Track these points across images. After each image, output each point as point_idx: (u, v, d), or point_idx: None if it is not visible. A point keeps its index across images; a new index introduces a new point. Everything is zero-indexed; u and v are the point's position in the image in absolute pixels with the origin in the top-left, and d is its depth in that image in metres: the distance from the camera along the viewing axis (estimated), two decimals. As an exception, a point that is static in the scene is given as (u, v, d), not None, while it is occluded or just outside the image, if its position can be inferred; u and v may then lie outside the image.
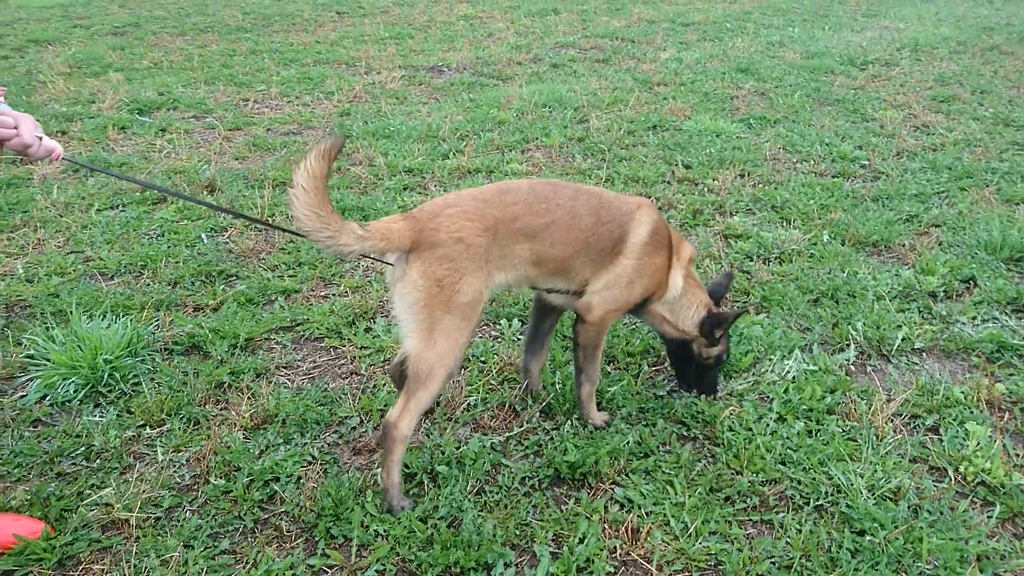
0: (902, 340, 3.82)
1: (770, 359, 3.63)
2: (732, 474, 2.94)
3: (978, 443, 3.07)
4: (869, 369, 3.69)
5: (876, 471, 2.92)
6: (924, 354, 3.79)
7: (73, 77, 9.22)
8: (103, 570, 2.51)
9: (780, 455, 3.01)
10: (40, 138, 2.21)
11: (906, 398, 3.38)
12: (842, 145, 6.73)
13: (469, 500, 2.79)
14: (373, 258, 2.63)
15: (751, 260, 4.65)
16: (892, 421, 3.27)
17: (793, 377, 3.50)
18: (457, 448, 3.04)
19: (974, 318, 4.04)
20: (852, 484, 2.85)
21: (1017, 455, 3.10)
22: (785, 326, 3.95)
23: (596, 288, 2.91)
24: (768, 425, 3.18)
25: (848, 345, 3.78)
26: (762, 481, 2.90)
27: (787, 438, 3.11)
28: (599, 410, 3.26)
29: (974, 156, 6.44)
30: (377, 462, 2.97)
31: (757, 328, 3.84)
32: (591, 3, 15.65)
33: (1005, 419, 3.31)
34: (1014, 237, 4.68)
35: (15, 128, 2.14)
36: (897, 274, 4.42)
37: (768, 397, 3.37)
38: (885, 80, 9.26)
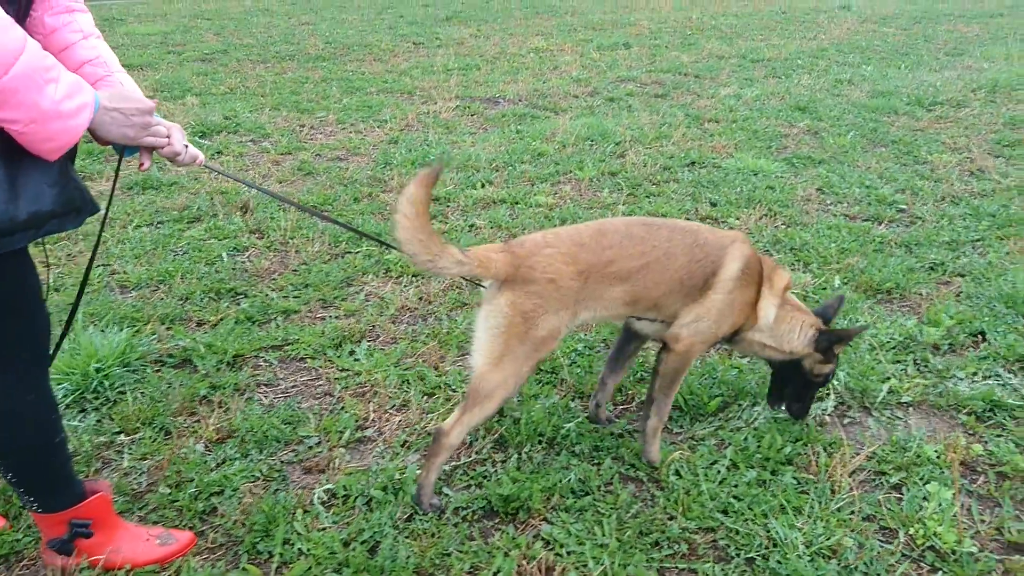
0: (888, 393, 3.67)
1: (739, 404, 3.55)
2: (667, 519, 2.89)
3: (939, 505, 2.92)
4: (847, 421, 3.56)
5: (818, 527, 2.81)
6: (910, 409, 3.63)
7: (154, 100, 9.79)
8: (40, 566, 2.66)
9: (723, 503, 2.94)
10: (186, 146, 2.41)
11: (873, 452, 3.25)
12: (883, 188, 6.51)
13: (397, 526, 2.83)
14: (469, 279, 2.88)
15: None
16: (854, 476, 3.14)
17: (757, 425, 3.41)
18: (401, 473, 3.09)
19: (974, 374, 3.84)
20: (789, 538, 2.75)
21: (982, 520, 2.93)
22: (766, 371, 3.84)
23: (685, 321, 2.98)
24: (719, 472, 3.11)
25: (828, 395, 3.65)
26: (696, 528, 2.84)
27: (735, 486, 3.04)
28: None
29: None
30: (320, 481, 3.07)
31: (733, 372, 3.76)
32: (664, 38, 15.64)
33: (979, 482, 3.14)
34: (1038, 290, 4.44)
35: (167, 137, 2.33)
36: (901, 324, 4.24)
37: (727, 443, 3.29)
38: (950, 122, 8.91)
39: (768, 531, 2.81)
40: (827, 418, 3.55)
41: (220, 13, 18.74)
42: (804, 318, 3.21)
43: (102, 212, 2.44)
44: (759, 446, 3.23)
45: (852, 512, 2.95)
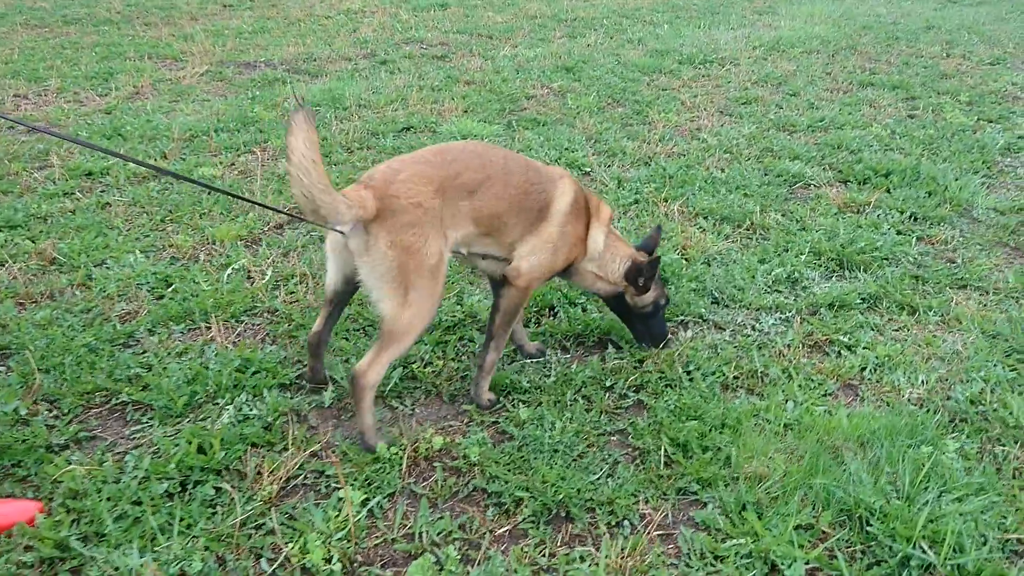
0: (402, 380, 3.33)
1: (218, 402, 3.16)
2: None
3: (348, 513, 2.59)
4: (346, 416, 3.21)
5: (175, 549, 2.44)
6: (431, 397, 3.31)
7: None
8: None
9: (100, 527, 2.54)
10: None
11: (320, 451, 2.90)
12: (579, 151, 6.22)
13: None
14: (324, 226, 2.67)
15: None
16: (292, 480, 2.80)
17: (220, 425, 3.02)
18: None
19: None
20: (131, 567, 2.37)
21: (404, 524, 2.61)
22: (284, 359, 3.47)
23: (523, 253, 3.02)
24: (127, 486, 2.70)
25: (325, 389, 3.29)
26: (33, 561, 2.43)
27: (136, 503, 2.64)
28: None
29: (708, 164, 5.93)
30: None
31: (218, 363, 3.36)
32: (487, -3, 15.14)
33: (430, 480, 2.82)
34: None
35: None
36: (480, 300, 3.93)
37: (156, 449, 2.89)
38: (706, 80, 8.74)
39: (114, 560, 2.41)
40: (316, 412, 3.19)
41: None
42: (625, 250, 3.34)
43: None
44: (188, 452, 2.83)
45: (257, 526, 2.59)
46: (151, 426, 3.08)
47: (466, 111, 7.47)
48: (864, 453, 2.85)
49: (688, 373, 3.39)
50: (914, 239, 4.68)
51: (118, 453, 2.93)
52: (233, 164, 6.07)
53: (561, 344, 3.66)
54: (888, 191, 5.35)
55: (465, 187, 2.82)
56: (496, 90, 8.28)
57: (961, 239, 4.78)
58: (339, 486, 2.76)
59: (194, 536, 2.52)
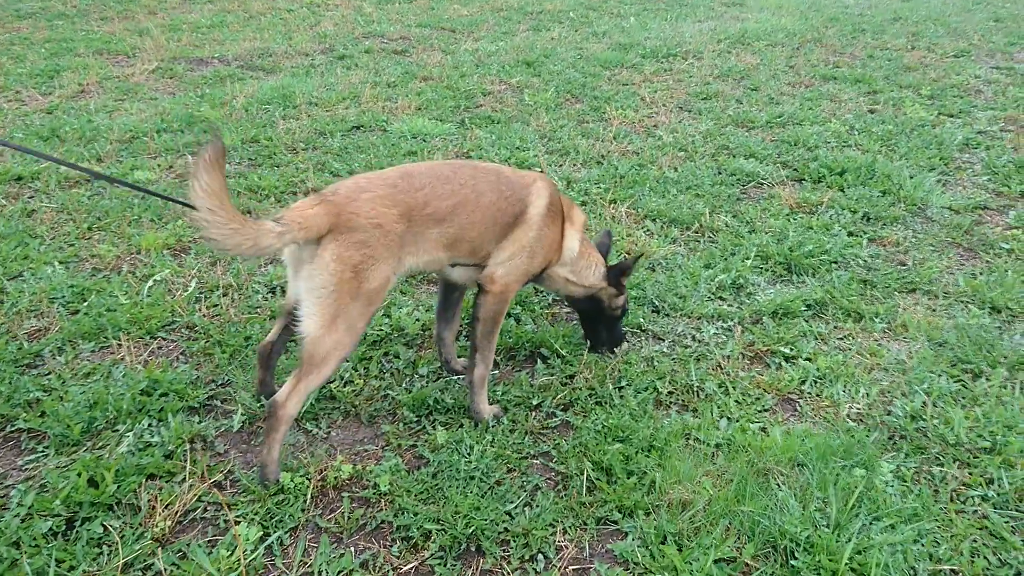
0: (318, 400, 3.16)
1: (117, 428, 2.97)
2: None
3: (253, 549, 2.42)
4: (258, 443, 3.03)
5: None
6: (347, 418, 3.14)
7: None
8: None
9: (-26, 570, 2.36)
10: None
11: (224, 481, 2.73)
12: (532, 149, 6.05)
13: None
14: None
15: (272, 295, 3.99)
16: (190, 514, 2.62)
17: (120, 453, 2.84)
18: None
19: (437, 370, 3.38)
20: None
21: (305, 561, 2.45)
22: (211, 382, 3.29)
23: (499, 260, 2.93)
24: (8, 526, 2.52)
25: (236, 411, 3.12)
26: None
27: (12, 545, 2.45)
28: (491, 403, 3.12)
29: (662, 163, 5.78)
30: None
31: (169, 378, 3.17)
32: (453, -11, 14.90)
33: (338, 512, 2.66)
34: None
35: None
36: (396, 314, 3.76)
37: (46, 486, 2.71)
38: (667, 74, 8.59)
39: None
40: (224, 437, 3.01)
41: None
42: (597, 256, 3.30)
43: None
44: (78, 485, 2.65)
45: (145, 567, 2.42)
46: (46, 456, 2.89)
47: (419, 108, 7.27)
48: (795, 476, 2.71)
49: (620, 390, 3.24)
50: (865, 240, 4.56)
51: (6, 487, 2.74)
52: (172, 167, 5.85)
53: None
54: (842, 190, 5.23)
55: (434, 217, 2.72)
56: (453, 86, 8.09)
57: (914, 240, 4.66)
58: (238, 520, 2.59)
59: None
